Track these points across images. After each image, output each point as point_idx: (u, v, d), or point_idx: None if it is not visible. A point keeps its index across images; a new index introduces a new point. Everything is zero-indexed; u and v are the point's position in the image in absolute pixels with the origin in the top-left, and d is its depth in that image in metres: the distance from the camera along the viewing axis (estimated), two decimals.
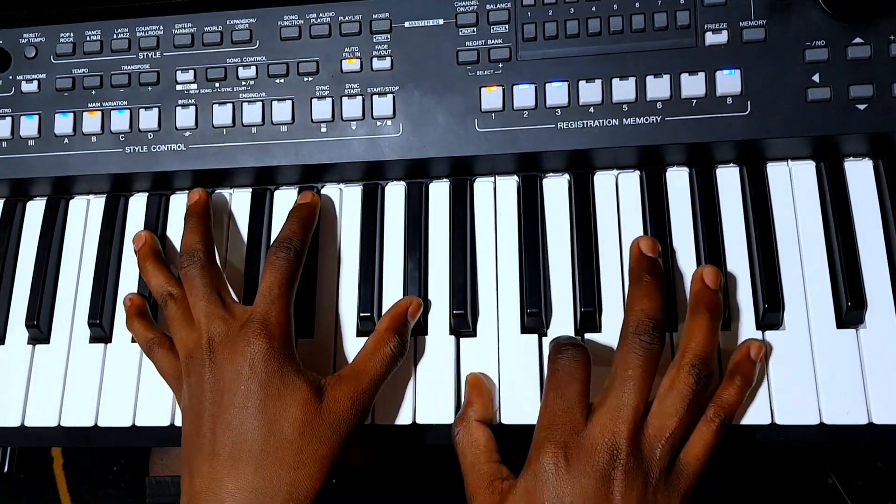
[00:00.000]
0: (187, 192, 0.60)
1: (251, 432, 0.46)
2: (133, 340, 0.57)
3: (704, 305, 0.49)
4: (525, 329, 0.54)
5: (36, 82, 0.60)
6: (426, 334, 0.55)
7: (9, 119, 0.60)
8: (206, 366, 0.48)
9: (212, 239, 0.56)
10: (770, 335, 0.51)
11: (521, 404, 0.53)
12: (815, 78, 0.52)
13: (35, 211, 0.62)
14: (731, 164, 0.55)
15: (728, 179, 0.55)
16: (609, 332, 0.53)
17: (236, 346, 0.48)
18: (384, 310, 0.56)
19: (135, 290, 0.58)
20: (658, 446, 0.45)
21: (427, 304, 0.56)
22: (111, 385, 0.57)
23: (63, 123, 0.59)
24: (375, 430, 0.54)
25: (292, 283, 0.51)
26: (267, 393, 0.47)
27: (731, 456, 0.68)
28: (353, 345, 0.55)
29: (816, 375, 0.50)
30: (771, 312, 0.51)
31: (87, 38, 0.60)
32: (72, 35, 0.60)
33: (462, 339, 0.55)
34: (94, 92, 0.59)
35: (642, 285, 0.48)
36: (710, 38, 0.53)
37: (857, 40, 0.52)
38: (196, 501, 0.46)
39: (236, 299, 0.54)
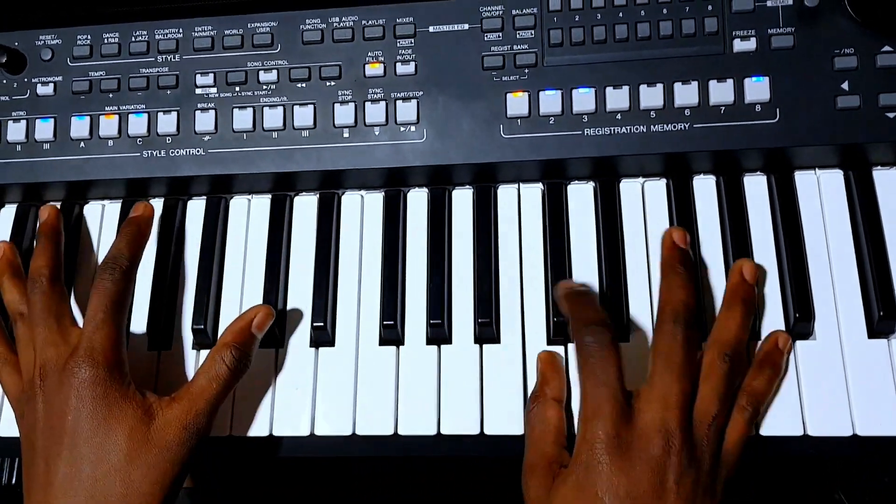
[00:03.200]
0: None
1: (80, 462, 0.47)
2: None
3: (740, 298, 0.50)
4: (551, 340, 0.53)
5: (52, 85, 0.59)
6: (451, 343, 0.54)
7: (23, 122, 0.59)
8: (38, 395, 0.49)
9: (59, 260, 0.55)
10: (801, 345, 0.51)
11: None
12: (845, 86, 0.52)
13: None
14: (759, 173, 0.55)
15: (756, 188, 0.55)
16: (640, 341, 0.52)
17: (63, 375, 0.48)
18: (408, 317, 0.55)
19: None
20: (705, 431, 0.45)
21: (451, 313, 0.55)
22: None
23: (79, 127, 0.58)
24: (400, 440, 0.53)
25: (120, 304, 0.51)
26: (93, 421, 0.47)
27: (746, 470, 0.67)
28: (375, 354, 0.54)
29: (848, 386, 0.50)
30: (802, 322, 0.51)
31: (105, 41, 0.59)
32: (89, 37, 0.59)
33: (486, 347, 0.54)
34: (111, 95, 0.58)
35: (677, 276, 0.49)
36: (739, 45, 0.53)
37: (887, 48, 0.52)
38: None
39: (74, 323, 0.53)
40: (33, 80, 0.59)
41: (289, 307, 0.56)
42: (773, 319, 0.52)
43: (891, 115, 0.51)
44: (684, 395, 0.46)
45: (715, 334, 0.49)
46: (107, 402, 0.47)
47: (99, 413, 0.47)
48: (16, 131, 0.59)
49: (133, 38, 0.59)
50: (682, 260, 0.50)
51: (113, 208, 0.60)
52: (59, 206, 0.59)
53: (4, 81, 0.60)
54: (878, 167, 0.54)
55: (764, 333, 0.51)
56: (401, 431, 0.53)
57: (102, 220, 0.60)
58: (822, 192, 0.54)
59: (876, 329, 0.51)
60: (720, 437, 0.46)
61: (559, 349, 0.53)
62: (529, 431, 0.49)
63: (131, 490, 0.46)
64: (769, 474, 0.72)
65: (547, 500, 0.46)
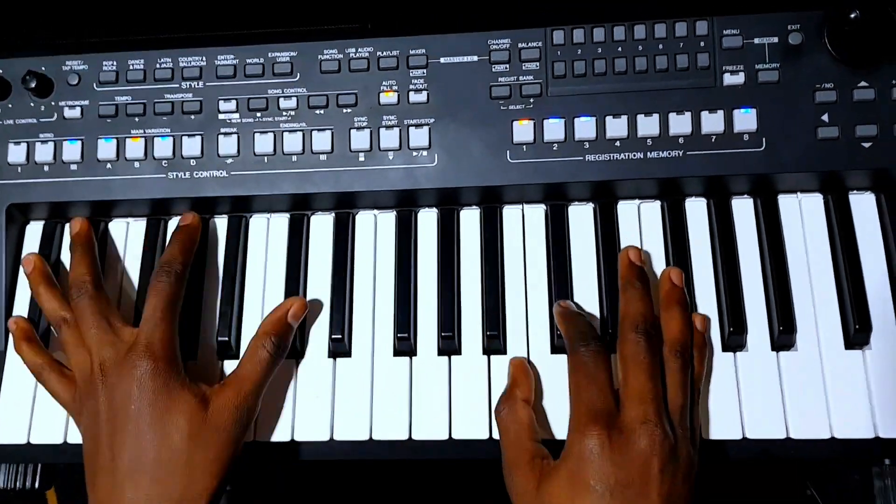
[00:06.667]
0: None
1: (145, 446, 0.51)
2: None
3: (675, 301, 0.55)
4: (555, 349, 0.57)
5: (79, 108, 0.62)
6: (460, 354, 0.58)
7: (51, 143, 0.62)
8: (100, 389, 0.53)
9: (98, 267, 0.59)
10: (783, 356, 0.55)
11: (552, 420, 0.56)
12: (825, 118, 0.56)
13: None
14: (746, 196, 0.59)
15: (743, 210, 0.59)
16: None
17: (124, 369, 0.52)
18: (420, 329, 0.59)
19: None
20: (678, 420, 0.50)
21: (460, 326, 0.59)
22: None
23: (106, 149, 0.61)
24: (413, 444, 0.57)
25: (175, 304, 0.56)
26: (155, 409, 0.51)
27: (715, 469, 0.71)
28: (390, 364, 0.58)
29: (827, 393, 0.54)
30: (785, 334, 0.55)
31: (130, 67, 0.62)
32: (114, 63, 0.62)
33: (493, 357, 0.58)
34: (137, 119, 0.61)
35: (634, 290, 0.54)
36: (728, 79, 0.57)
37: (863, 84, 0.56)
38: None
39: (124, 323, 0.56)
40: (60, 104, 0.62)
41: (307, 320, 0.60)
42: (758, 331, 0.56)
43: (866, 144, 0.56)
44: (659, 392, 0.50)
45: (664, 336, 0.53)
46: (167, 390, 0.52)
47: (160, 401, 0.51)
48: (43, 152, 0.62)
49: (158, 66, 0.62)
50: (638, 276, 0.55)
51: (137, 226, 0.63)
52: (87, 219, 0.62)
53: (32, 105, 0.62)
54: (855, 192, 0.59)
55: (750, 344, 0.56)
56: (415, 436, 0.57)
57: (127, 237, 0.63)
58: (803, 215, 0.58)
59: (852, 341, 0.55)
60: (690, 425, 0.51)
61: (561, 358, 0.57)
62: (504, 432, 0.53)
63: (194, 469, 0.51)
64: (746, 471, 0.77)
65: (536, 493, 0.50)
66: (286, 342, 0.56)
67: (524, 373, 0.56)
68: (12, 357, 0.60)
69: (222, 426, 0.52)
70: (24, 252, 0.63)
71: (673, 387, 0.51)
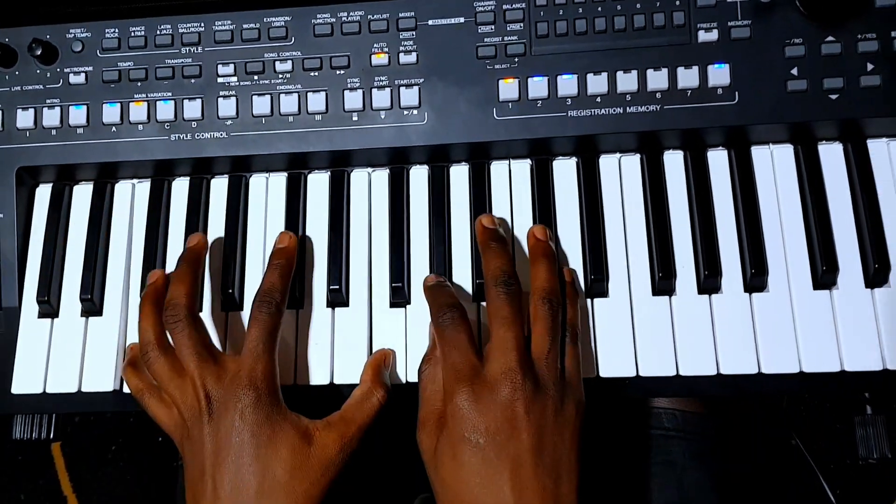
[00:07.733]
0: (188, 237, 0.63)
1: (247, 478, 0.52)
2: None
3: (541, 253, 0.58)
4: None
5: (83, 74, 0.65)
6: None
7: (58, 108, 0.65)
8: (205, 421, 0.53)
9: (197, 288, 0.60)
10: (756, 297, 0.59)
11: None
12: (794, 71, 0.59)
13: (82, 195, 0.66)
14: (720, 148, 0.62)
15: (718, 161, 0.62)
16: (617, 297, 0.60)
17: (229, 402, 0.53)
18: (413, 279, 0.62)
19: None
20: (543, 364, 0.53)
21: (451, 274, 0.62)
22: None
23: (111, 113, 0.64)
24: (411, 387, 0.60)
25: (276, 334, 0.57)
26: (258, 441, 0.53)
27: (698, 416, 0.74)
28: (385, 313, 0.62)
29: (796, 331, 0.58)
30: (757, 277, 0.58)
31: (132, 34, 0.65)
32: (117, 31, 0.65)
33: (482, 305, 0.61)
34: (139, 84, 0.64)
35: (491, 249, 0.58)
36: (703, 36, 0.60)
37: (830, 38, 0.59)
38: None
39: (221, 351, 0.57)
40: (65, 70, 0.65)
41: (306, 273, 0.63)
42: (732, 274, 0.59)
43: (833, 96, 0.59)
44: (518, 340, 0.52)
45: (532, 285, 0.56)
46: (270, 423, 0.53)
47: (263, 433, 0.53)
48: (51, 117, 0.65)
49: (158, 32, 0.64)
50: (492, 237, 0.58)
51: (142, 186, 0.66)
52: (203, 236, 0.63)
53: (38, 72, 0.65)
54: (823, 142, 0.62)
55: (724, 286, 0.59)
56: (411, 379, 0.60)
57: (133, 198, 0.66)
58: (775, 164, 0.62)
59: (820, 282, 0.59)
60: (559, 367, 0.53)
61: None
62: (422, 390, 0.55)
63: (294, 501, 0.52)
64: (736, 424, 0.80)
65: (434, 454, 0.53)
66: (388, 389, 0.58)
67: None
68: (27, 311, 0.63)
69: (326, 464, 0.53)
70: (35, 214, 0.66)
71: (539, 332, 0.54)
